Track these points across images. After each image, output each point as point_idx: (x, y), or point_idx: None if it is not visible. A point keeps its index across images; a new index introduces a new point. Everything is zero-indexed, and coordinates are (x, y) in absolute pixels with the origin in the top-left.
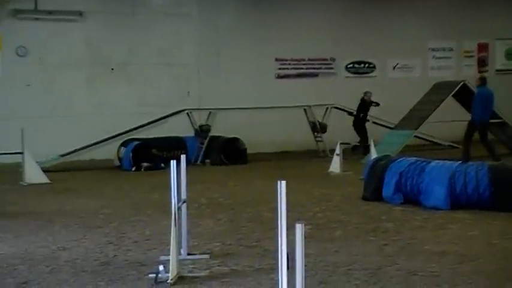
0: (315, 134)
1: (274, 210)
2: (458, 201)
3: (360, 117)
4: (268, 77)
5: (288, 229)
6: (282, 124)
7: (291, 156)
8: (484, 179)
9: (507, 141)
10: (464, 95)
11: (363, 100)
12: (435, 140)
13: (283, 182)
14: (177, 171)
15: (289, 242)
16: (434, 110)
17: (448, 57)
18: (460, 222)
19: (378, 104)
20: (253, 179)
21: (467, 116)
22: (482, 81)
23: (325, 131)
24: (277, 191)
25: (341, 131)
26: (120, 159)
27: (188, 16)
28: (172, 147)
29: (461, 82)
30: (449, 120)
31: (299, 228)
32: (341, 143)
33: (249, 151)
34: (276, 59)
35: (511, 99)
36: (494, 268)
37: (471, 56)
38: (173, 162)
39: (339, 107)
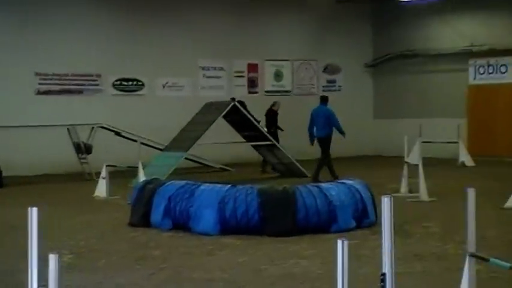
0: (80, 155)
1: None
2: (228, 226)
3: (272, 131)
4: (27, 93)
5: (44, 260)
6: (44, 144)
7: (54, 180)
8: (254, 203)
9: (277, 164)
10: (235, 116)
11: (271, 112)
12: (206, 163)
13: (35, 209)
14: None
15: (46, 274)
16: (205, 131)
17: (218, 77)
18: (229, 248)
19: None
20: (9, 205)
21: (238, 137)
22: (324, 99)
23: (91, 152)
24: (28, 218)
25: (108, 152)
26: None
27: None
28: None
29: (231, 102)
30: (221, 142)
31: (53, 259)
32: (107, 165)
33: (5, 173)
34: (36, 73)
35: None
36: None
37: (242, 76)
38: None
39: (106, 126)
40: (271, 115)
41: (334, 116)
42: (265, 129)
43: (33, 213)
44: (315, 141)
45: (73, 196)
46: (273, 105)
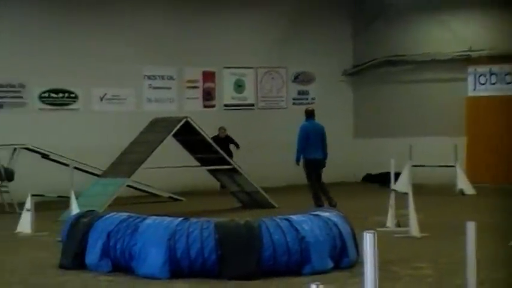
0: None
1: None
2: (179, 268)
3: None
4: None
5: None
6: None
7: None
8: (210, 240)
9: (238, 192)
10: (187, 135)
11: (218, 139)
12: (153, 191)
13: None
14: None
15: None
16: (151, 153)
17: (167, 88)
18: None
19: (237, 146)
20: None
21: (191, 161)
22: (313, 114)
23: (12, 179)
24: None
25: (34, 178)
26: None
27: None
28: None
29: (183, 119)
30: (170, 166)
31: None
32: (33, 195)
33: None
34: None
35: (242, 141)
36: None
37: (195, 87)
38: None
39: (31, 147)
40: (219, 142)
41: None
42: None
43: None
44: (302, 163)
45: None
46: (219, 130)
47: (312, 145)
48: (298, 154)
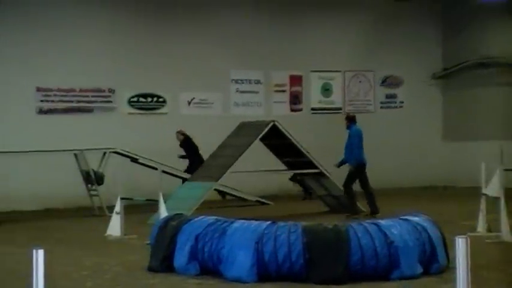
0: (89, 186)
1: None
2: (266, 271)
3: (192, 161)
4: (27, 112)
5: None
6: (46, 173)
7: (58, 215)
8: (298, 244)
9: (326, 196)
10: (274, 139)
11: (182, 143)
12: (240, 195)
13: (41, 251)
14: None
15: None
16: (238, 157)
17: (254, 92)
18: None
19: (183, 157)
20: (5, 245)
21: (279, 165)
22: (353, 119)
23: (102, 183)
24: (32, 261)
25: (123, 182)
26: None
27: None
28: None
29: (271, 122)
30: (258, 170)
31: None
32: (122, 198)
33: (0, 208)
34: (38, 89)
35: (331, 145)
36: None
37: (282, 91)
38: None
39: (120, 151)
40: (185, 145)
41: None
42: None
43: (39, 256)
44: (353, 167)
45: (80, 235)
46: (176, 134)
47: (363, 149)
48: (361, 157)
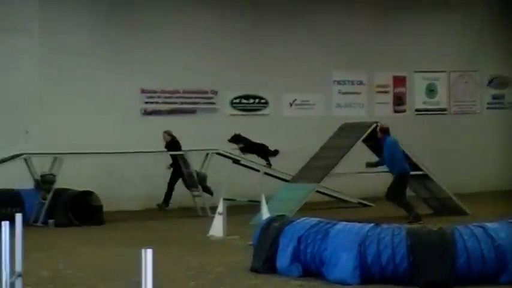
0: (191, 187)
1: (137, 285)
2: (369, 274)
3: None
4: (132, 113)
5: None
6: (150, 174)
7: (161, 216)
8: (402, 246)
9: (429, 199)
10: (377, 140)
11: (168, 144)
12: (342, 197)
13: (149, 250)
14: (10, 235)
15: None
16: (340, 158)
17: (357, 93)
18: None
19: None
20: (111, 244)
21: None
22: (387, 131)
23: (205, 184)
24: (141, 261)
25: (225, 183)
26: None
27: (26, 32)
28: (4, 203)
29: (373, 124)
30: (360, 172)
31: None
32: (225, 199)
33: (105, 208)
34: (143, 91)
35: (435, 146)
36: None
37: (385, 92)
38: (5, 224)
39: (222, 152)
40: (171, 146)
41: None
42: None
43: (148, 255)
44: (400, 177)
45: (184, 235)
46: (163, 135)
47: (403, 158)
48: (403, 166)
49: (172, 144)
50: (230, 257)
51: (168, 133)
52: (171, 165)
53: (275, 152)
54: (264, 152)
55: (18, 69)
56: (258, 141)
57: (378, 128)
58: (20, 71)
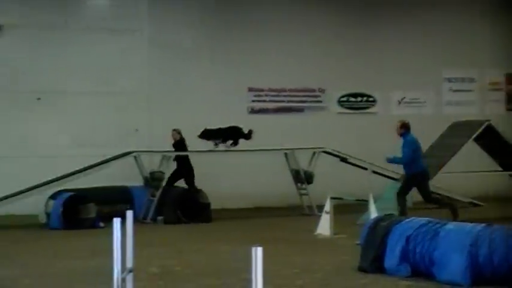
0: (299, 185)
1: (246, 282)
2: (481, 275)
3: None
4: (239, 112)
5: None
6: (257, 172)
7: (268, 214)
8: None
9: None
10: (489, 139)
11: (175, 143)
12: (453, 196)
13: (259, 249)
14: (121, 232)
15: None
16: (451, 157)
17: (468, 91)
18: None
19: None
20: (219, 242)
21: (494, 166)
22: (408, 127)
23: (312, 182)
24: (250, 258)
25: (332, 181)
26: (47, 215)
27: (137, 33)
28: (115, 200)
29: (485, 122)
30: (471, 171)
31: None
32: (332, 198)
33: (213, 206)
34: (250, 89)
35: None
36: None
37: (498, 90)
38: (116, 220)
39: (330, 151)
40: (178, 146)
41: None
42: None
43: (258, 253)
44: (412, 175)
45: (290, 233)
46: (172, 133)
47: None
48: (423, 165)
49: (180, 143)
50: (337, 256)
51: (177, 131)
52: (177, 164)
53: (249, 133)
54: (236, 134)
55: (128, 68)
56: (228, 126)
57: (399, 123)
58: (130, 70)
